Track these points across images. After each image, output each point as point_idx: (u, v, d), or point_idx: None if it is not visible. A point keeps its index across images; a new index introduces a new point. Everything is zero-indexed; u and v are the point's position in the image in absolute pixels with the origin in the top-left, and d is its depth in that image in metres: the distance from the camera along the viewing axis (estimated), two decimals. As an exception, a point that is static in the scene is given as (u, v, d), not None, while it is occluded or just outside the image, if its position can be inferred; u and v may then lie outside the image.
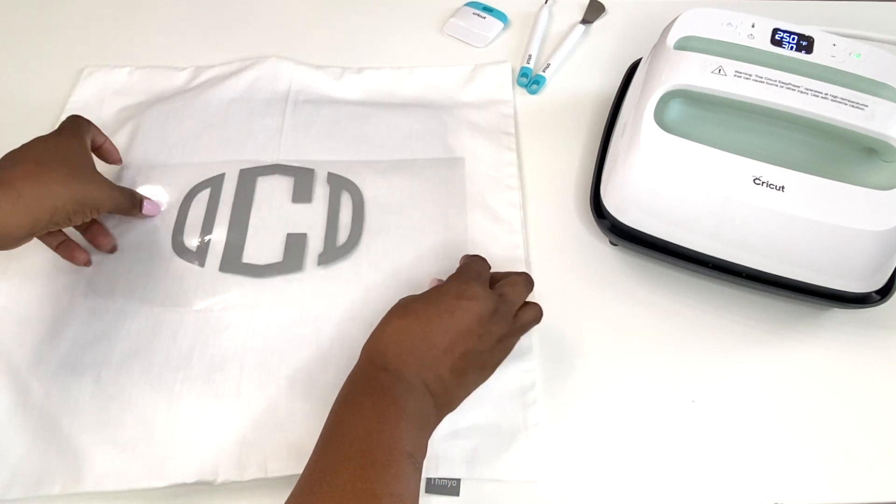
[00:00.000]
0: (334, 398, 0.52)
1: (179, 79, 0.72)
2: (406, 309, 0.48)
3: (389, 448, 0.40)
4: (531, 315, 0.51)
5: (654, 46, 0.61)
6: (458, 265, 0.54)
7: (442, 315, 0.46)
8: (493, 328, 0.48)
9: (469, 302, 0.47)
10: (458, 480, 0.50)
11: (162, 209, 0.61)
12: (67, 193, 0.50)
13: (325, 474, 0.40)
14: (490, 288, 0.50)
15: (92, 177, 0.54)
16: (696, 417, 0.53)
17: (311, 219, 0.61)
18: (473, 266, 0.52)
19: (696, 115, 0.56)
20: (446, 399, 0.46)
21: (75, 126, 0.56)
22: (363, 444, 0.40)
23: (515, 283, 0.51)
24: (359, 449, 0.40)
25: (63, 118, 0.67)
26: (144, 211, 0.59)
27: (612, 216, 0.56)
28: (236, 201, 0.62)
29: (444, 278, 0.53)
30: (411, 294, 0.50)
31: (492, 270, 0.54)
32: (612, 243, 0.60)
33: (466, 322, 0.46)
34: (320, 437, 0.42)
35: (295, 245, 0.59)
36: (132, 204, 0.58)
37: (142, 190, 0.61)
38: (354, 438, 0.41)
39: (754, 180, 0.51)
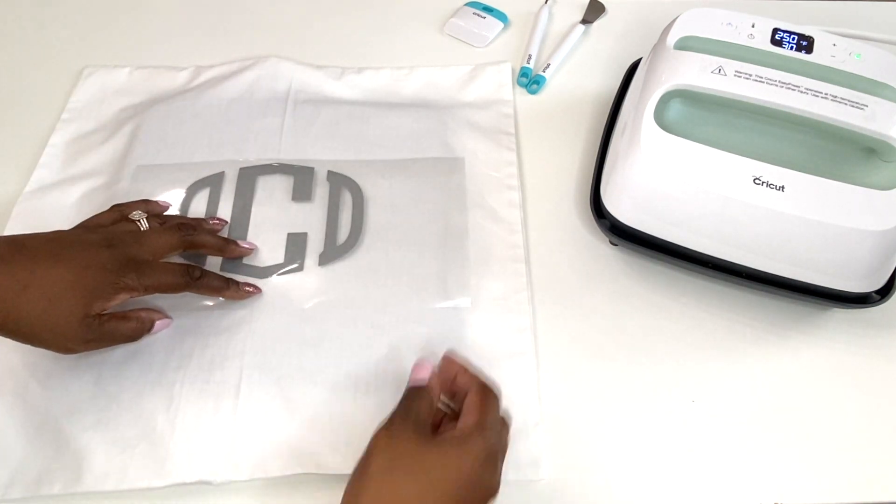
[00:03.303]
0: (333, 398, 0.52)
1: (180, 79, 0.72)
2: (426, 468, 0.40)
3: None
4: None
5: (654, 46, 0.61)
6: (453, 370, 0.47)
7: (463, 486, 0.40)
8: (490, 497, 0.42)
9: (491, 470, 0.42)
10: (458, 480, 0.49)
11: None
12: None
13: None
14: (454, 397, 0.46)
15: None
16: (696, 417, 0.53)
17: (311, 218, 0.61)
18: (495, 409, 0.45)
19: (696, 115, 0.56)
20: None
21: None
22: None
23: (496, 424, 0.44)
24: None
25: (63, 118, 0.68)
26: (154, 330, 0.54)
27: (612, 216, 0.56)
28: (236, 200, 0.62)
29: (426, 361, 0.47)
30: (408, 421, 0.43)
31: (451, 358, 0.48)
32: (612, 243, 0.60)
33: (479, 492, 0.41)
34: None
35: (295, 245, 0.59)
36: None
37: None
38: None
39: (754, 180, 0.51)
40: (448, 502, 0.39)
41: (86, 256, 0.49)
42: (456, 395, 0.46)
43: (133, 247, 0.51)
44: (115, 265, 0.49)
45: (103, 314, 0.49)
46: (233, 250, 0.58)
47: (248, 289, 0.56)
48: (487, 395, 0.45)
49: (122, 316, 0.51)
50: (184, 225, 0.56)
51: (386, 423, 0.43)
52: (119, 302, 0.50)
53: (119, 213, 0.56)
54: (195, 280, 0.53)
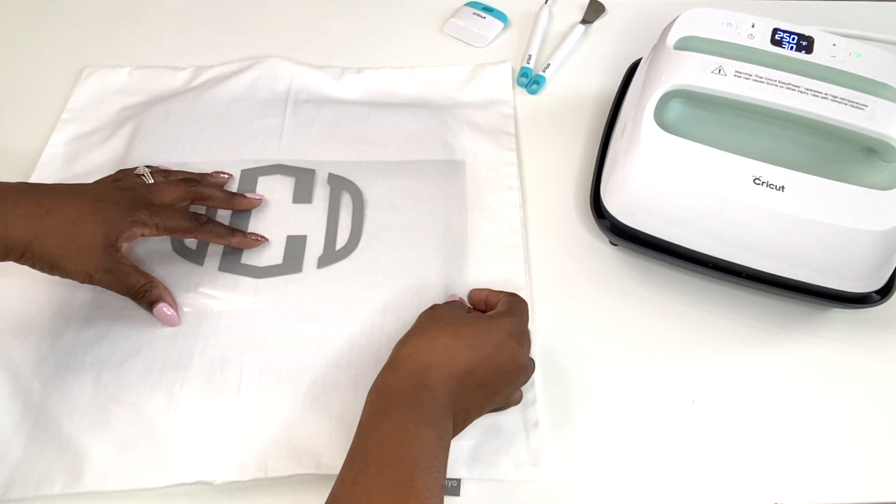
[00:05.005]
0: (334, 398, 0.52)
1: (179, 79, 0.72)
2: (458, 329, 0.47)
3: (431, 480, 0.40)
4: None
5: (654, 46, 0.61)
6: (479, 293, 0.55)
7: (492, 352, 0.46)
8: (522, 376, 0.48)
9: (517, 346, 0.47)
10: (459, 480, 0.49)
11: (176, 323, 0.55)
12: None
13: (356, 495, 0.39)
14: (484, 309, 0.53)
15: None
16: (696, 417, 0.53)
17: (311, 220, 0.61)
18: (523, 308, 0.52)
19: (696, 115, 0.56)
20: (460, 427, 0.46)
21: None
22: (403, 466, 0.39)
23: (524, 315, 0.51)
24: (399, 474, 0.39)
25: (63, 118, 0.68)
26: (156, 313, 0.54)
27: (612, 216, 0.56)
28: (236, 201, 0.62)
29: (458, 293, 0.56)
30: (450, 303, 0.53)
31: (478, 288, 0.55)
32: (612, 243, 0.60)
33: (508, 365, 0.47)
34: (352, 448, 0.41)
35: (294, 247, 0.59)
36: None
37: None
38: (392, 459, 0.40)
39: (754, 180, 0.51)
40: (474, 357, 0.45)
41: (99, 192, 0.52)
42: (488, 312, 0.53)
43: (143, 191, 0.54)
44: (128, 202, 0.52)
45: (122, 253, 0.52)
46: (240, 202, 0.59)
47: (254, 237, 0.57)
48: (516, 297, 0.53)
49: (140, 269, 0.53)
50: (189, 179, 0.58)
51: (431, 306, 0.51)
52: (134, 237, 0.52)
53: (123, 172, 0.58)
54: (202, 225, 0.55)
